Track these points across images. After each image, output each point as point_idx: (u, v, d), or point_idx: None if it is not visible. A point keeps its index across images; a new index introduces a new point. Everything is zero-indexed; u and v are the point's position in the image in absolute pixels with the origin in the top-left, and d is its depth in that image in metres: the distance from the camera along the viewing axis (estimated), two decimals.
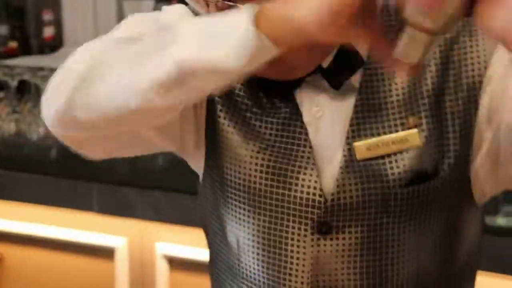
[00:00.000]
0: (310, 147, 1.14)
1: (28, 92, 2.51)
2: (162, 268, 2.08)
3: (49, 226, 2.20)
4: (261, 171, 1.16)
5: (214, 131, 1.20)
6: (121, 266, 2.12)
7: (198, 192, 1.28)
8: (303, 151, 1.14)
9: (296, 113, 1.15)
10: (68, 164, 2.18)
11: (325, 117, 1.14)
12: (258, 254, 1.18)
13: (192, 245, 2.05)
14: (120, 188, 2.15)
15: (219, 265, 1.27)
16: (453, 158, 1.12)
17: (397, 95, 1.13)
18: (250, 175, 1.17)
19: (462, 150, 1.12)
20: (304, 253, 1.14)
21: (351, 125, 1.12)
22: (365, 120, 1.12)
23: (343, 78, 1.12)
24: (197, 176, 1.26)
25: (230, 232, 1.22)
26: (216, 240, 1.26)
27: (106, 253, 2.13)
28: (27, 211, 2.25)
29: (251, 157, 1.17)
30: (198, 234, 1.98)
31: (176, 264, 2.07)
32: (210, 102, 1.20)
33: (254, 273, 1.20)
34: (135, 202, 2.11)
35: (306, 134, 1.14)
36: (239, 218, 1.20)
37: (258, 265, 1.18)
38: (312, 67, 1.11)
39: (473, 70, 1.12)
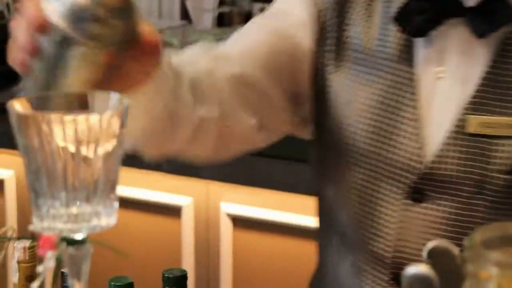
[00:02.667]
0: (418, 109, 1.10)
1: None
2: (226, 226, 2.16)
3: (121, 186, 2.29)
4: (365, 130, 1.13)
5: (321, 87, 1.18)
6: (187, 224, 2.20)
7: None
8: (411, 113, 1.10)
9: (410, 71, 1.11)
10: None
11: (446, 81, 1.10)
12: (349, 210, 1.17)
13: (255, 205, 2.11)
14: None
15: (323, 230, 1.26)
16: None
17: None
18: (353, 132, 1.14)
19: None
20: (393, 216, 1.12)
21: (473, 96, 1.08)
22: (489, 95, 1.07)
23: (490, 26, 1.06)
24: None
25: (325, 187, 1.22)
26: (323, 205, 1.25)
27: (173, 212, 2.21)
28: None
29: (357, 115, 1.14)
30: (260, 195, 2.09)
31: (239, 223, 2.15)
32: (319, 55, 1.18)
33: (344, 229, 1.19)
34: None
35: (415, 95, 1.10)
36: (335, 174, 1.19)
37: (349, 221, 1.17)
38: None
39: None
